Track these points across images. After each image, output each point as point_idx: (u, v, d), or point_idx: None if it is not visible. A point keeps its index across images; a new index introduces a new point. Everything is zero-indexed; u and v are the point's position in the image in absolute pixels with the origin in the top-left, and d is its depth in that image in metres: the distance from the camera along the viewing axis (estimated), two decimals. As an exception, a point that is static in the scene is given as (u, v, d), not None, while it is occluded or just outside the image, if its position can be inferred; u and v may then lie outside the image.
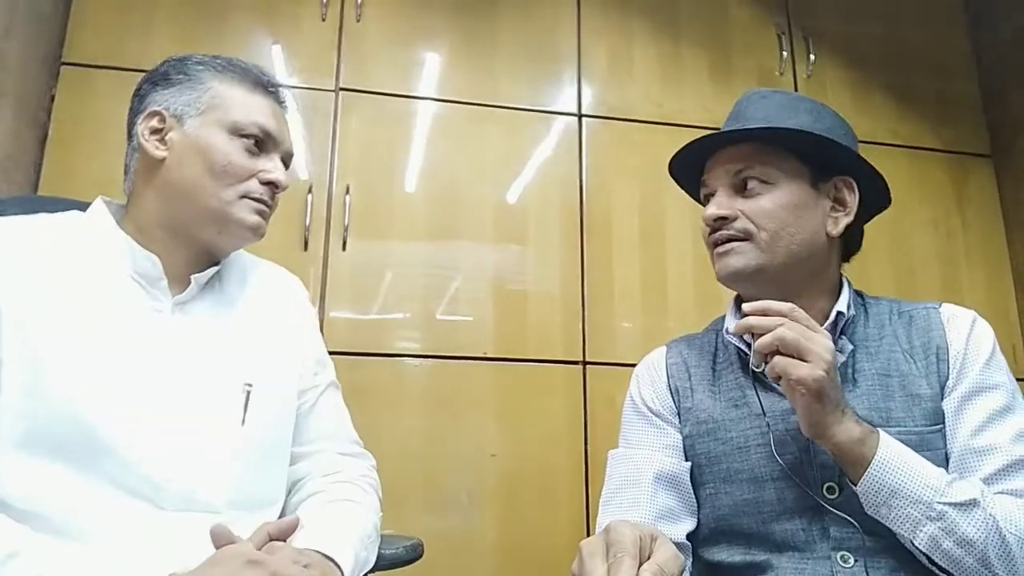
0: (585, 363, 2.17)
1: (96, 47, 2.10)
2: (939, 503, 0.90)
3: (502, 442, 2.06)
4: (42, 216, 1.05)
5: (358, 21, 2.28)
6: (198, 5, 2.20)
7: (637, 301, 2.24)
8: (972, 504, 0.90)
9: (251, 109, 1.06)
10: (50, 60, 2.05)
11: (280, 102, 1.12)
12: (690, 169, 1.17)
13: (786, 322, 0.94)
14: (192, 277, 1.04)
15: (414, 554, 1.20)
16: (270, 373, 1.07)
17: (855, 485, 0.94)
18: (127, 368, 0.95)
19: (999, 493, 0.94)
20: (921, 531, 0.90)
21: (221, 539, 0.83)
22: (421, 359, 2.08)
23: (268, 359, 1.08)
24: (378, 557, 1.07)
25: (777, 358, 0.93)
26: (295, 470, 1.11)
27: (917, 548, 0.91)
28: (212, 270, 1.07)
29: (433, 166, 2.24)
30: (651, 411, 1.15)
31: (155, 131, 1.06)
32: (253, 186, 1.05)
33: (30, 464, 0.88)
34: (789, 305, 0.95)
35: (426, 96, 2.29)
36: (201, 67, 1.08)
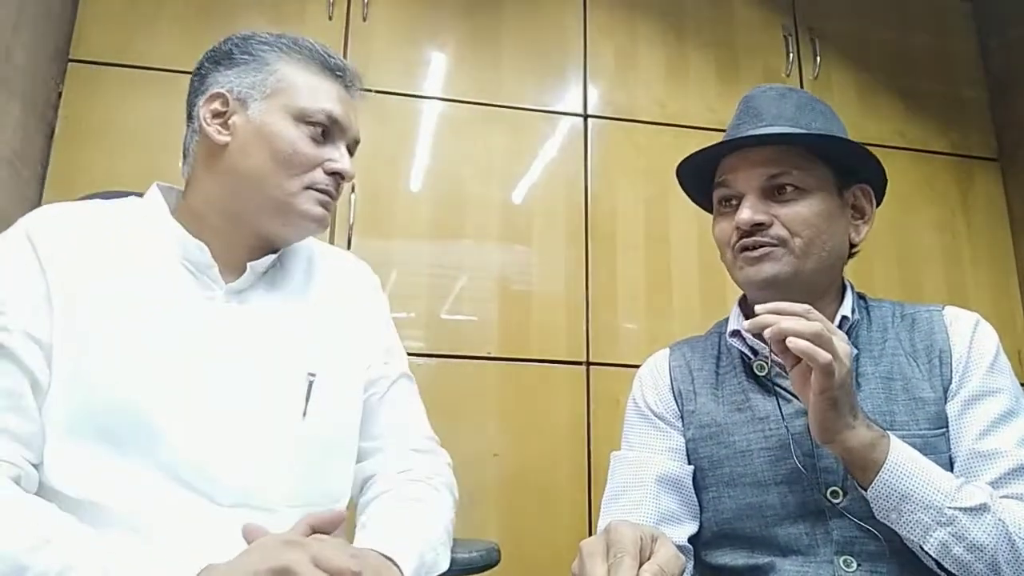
0: (589, 364, 2.17)
1: (104, 44, 2.11)
2: (950, 508, 0.89)
3: (505, 442, 2.06)
4: (96, 202, 1.03)
5: (364, 20, 2.28)
6: (205, 3, 2.20)
7: (641, 302, 2.24)
8: (983, 509, 0.89)
9: (318, 94, 1.02)
10: (58, 57, 2.06)
11: (348, 86, 1.06)
12: (695, 169, 1.15)
13: (815, 313, 0.92)
14: (248, 265, 1.00)
15: (489, 560, 1.08)
16: (335, 362, 1.03)
17: (865, 490, 0.93)
18: (177, 356, 0.92)
19: (1005, 497, 0.94)
20: (931, 536, 0.90)
21: (253, 535, 0.79)
22: (425, 358, 2.08)
23: (333, 348, 1.04)
24: (451, 562, 0.99)
25: (802, 342, 0.88)
26: (364, 467, 1.06)
27: (927, 553, 0.91)
28: (270, 258, 1.03)
29: (438, 165, 2.24)
30: (654, 414, 1.14)
31: (218, 115, 1.01)
32: (318, 176, 1.01)
33: (80, 452, 0.87)
34: (805, 306, 0.93)
35: (432, 95, 2.29)
36: (267, 47, 1.03)
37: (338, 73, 1.05)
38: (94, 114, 2.05)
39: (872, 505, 0.93)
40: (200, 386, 0.92)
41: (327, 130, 1.02)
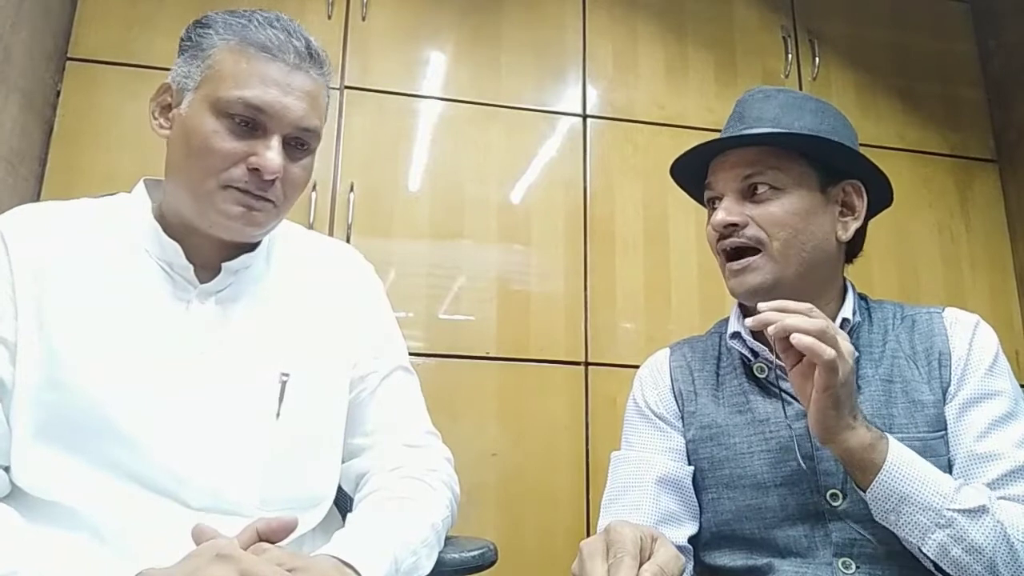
0: (587, 364, 2.17)
1: (102, 42, 2.10)
2: (948, 510, 0.89)
3: (503, 442, 2.06)
4: (81, 201, 1.00)
5: (363, 19, 2.28)
6: (204, 1, 2.20)
7: (640, 302, 2.24)
8: (981, 511, 0.89)
9: (243, 81, 0.91)
10: (56, 55, 2.05)
11: (297, 67, 0.94)
12: (692, 170, 1.16)
13: (817, 312, 0.92)
14: (223, 266, 0.97)
15: (486, 560, 1.02)
16: (313, 361, 0.99)
17: (864, 491, 0.93)
18: (147, 360, 0.90)
19: (1003, 499, 0.94)
20: (930, 538, 0.90)
21: (202, 536, 0.75)
22: (423, 358, 2.07)
23: (311, 347, 1.00)
24: (438, 562, 0.95)
25: (806, 338, 0.88)
26: (356, 464, 1.03)
27: (925, 555, 0.91)
28: (245, 256, 0.99)
29: (437, 165, 2.24)
30: (654, 414, 1.14)
31: (166, 107, 0.97)
32: (237, 174, 0.91)
33: (47, 456, 0.85)
34: (807, 305, 0.93)
35: (431, 95, 2.29)
36: (207, 30, 0.95)
37: (279, 53, 0.93)
38: (92, 113, 2.05)
39: (871, 507, 0.93)
40: (170, 390, 0.90)
41: (253, 120, 0.92)
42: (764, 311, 0.93)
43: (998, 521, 0.89)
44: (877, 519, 0.94)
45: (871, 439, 0.92)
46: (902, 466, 0.91)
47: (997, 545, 0.88)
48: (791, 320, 0.90)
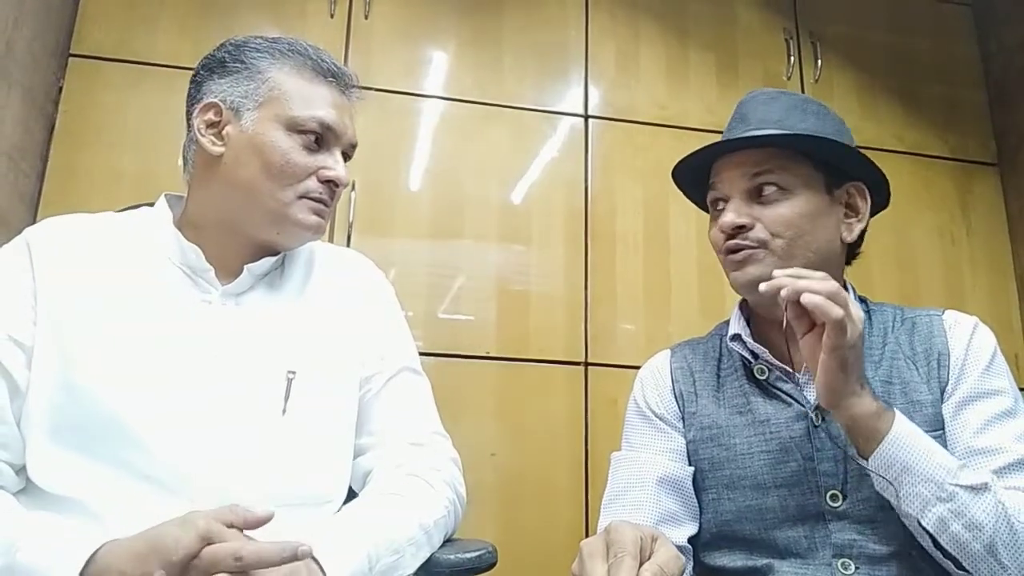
0: (587, 364, 2.17)
1: (104, 39, 2.10)
2: (951, 484, 0.89)
3: (502, 442, 2.06)
4: (105, 214, 1.05)
5: (366, 18, 2.28)
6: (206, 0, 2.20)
7: (640, 303, 2.24)
8: (984, 488, 0.89)
9: (311, 102, 1.01)
10: (58, 51, 2.05)
11: (343, 90, 1.06)
12: (695, 172, 1.16)
13: (831, 280, 0.92)
14: (246, 267, 1.01)
15: (485, 561, 1.00)
16: (321, 360, 1.02)
17: (866, 459, 0.93)
18: (161, 361, 0.93)
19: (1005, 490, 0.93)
20: (930, 511, 0.89)
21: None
22: (423, 357, 2.05)
23: (320, 346, 1.03)
24: (435, 563, 0.95)
25: (816, 297, 0.89)
26: (362, 462, 1.05)
27: (924, 529, 0.90)
28: (269, 261, 1.04)
29: (438, 165, 2.24)
30: (655, 415, 1.14)
31: (211, 125, 1.01)
32: (312, 185, 1.01)
33: (61, 454, 0.88)
34: (822, 274, 0.94)
35: (432, 95, 2.29)
36: (259, 55, 1.03)
37: (331, 77, 1.04)
38: (94, 109, 2.05)
39: (872, 477, 0.93)
40: (181, 390, 0.93)
41: (320, 137, 1.02)
42: (779, 276, 0.94)
43: (1000, 501, 0.89)
44: (877, 489, 0.94)
45: (877, 408, 0.93)
46: (907, 436, 0.91)
47: (998, 524, 0.88)
48: (803, 282, 0.91)
